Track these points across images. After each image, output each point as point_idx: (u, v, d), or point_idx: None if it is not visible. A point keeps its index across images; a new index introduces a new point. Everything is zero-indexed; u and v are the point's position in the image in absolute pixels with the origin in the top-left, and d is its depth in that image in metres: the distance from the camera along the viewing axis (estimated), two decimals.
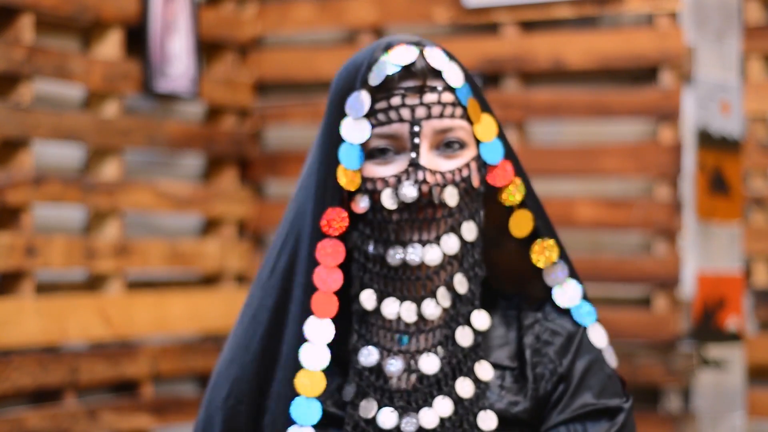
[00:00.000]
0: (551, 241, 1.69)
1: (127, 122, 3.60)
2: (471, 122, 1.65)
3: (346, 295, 1.63)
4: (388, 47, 1.64)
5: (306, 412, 1.60)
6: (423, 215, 1.60)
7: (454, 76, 1.64)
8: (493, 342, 1.66)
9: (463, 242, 1.63)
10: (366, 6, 4.02)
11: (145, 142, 3.67)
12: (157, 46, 3.67)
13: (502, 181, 1.67)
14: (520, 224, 1.68)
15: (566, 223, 3.73)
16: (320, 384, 1.60)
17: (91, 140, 3.47)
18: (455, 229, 1.62)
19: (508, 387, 1.64)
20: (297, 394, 1.60)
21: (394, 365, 1.60)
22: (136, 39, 3.64)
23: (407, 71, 1.62)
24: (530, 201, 1.69)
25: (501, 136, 1.68)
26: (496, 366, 1.64)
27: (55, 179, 3.34)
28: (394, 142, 1.62)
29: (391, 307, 1.61)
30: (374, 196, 1.61)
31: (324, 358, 1.61)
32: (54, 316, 3.31)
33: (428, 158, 1.61)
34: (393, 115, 1.61)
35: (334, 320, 1.62)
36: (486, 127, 1.66)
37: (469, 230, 1.63)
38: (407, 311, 1.60)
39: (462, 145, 1.64)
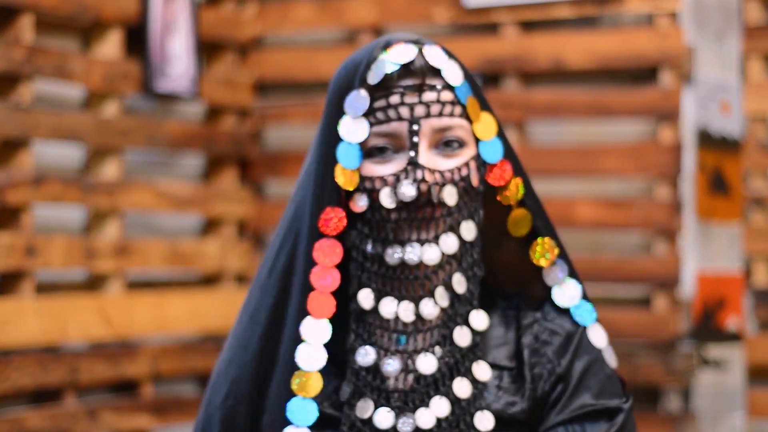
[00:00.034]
0: (551, 241, 1.68)
1: (127, 122, 3.60)
2: (470, 121, 1.64)
3: (345, 295, 1.62)
4: (387, 45, 1.63)
5: (302, 412, 1.59)
6: (422, 214, 1.59)
7: (453, 74, 1.63)
8: (492, 342, 1.65)
9: (462, 242, 1.62)
10: (366, 6, 4.02)
11: (145, 142, 3.67)
12: (157, 46, 3.67)
13: (502, 180, 1.66)
14: (519, 223, 1.67)
15: (566, 223, 3.73)
16: (317, 384, 1.59)
17: (91, 140, 3.46)
18: (454, 229, 1.61)
19: (506, 387, 1.63)
20: (293, 395, 1.59)
21: (391, 365, 1.59)
22: (136, 39, 3.64)
23: (406, 69, 1.61)
24: (530, 200, 1.68)
25: (500, 134, 1.67)
26: (494, 366, 1.63)
27: (55, 179, 3.33)
28: (392, 140, 1.61)
29: (389, 307, 1.59)
30: (373, 195, 1.60)
31: (320, 358, 1.59)
32: (54, 316, 3.31)
33: (427, 157, 1.60)
34: (392, 113, 1.60)
35: (334, 320, 1.61)
36: (485, 125, 1.65)
37: (468, 230, 1.62)
38: (405, 311, 1.59)
39: (461, 143, 1.63)
